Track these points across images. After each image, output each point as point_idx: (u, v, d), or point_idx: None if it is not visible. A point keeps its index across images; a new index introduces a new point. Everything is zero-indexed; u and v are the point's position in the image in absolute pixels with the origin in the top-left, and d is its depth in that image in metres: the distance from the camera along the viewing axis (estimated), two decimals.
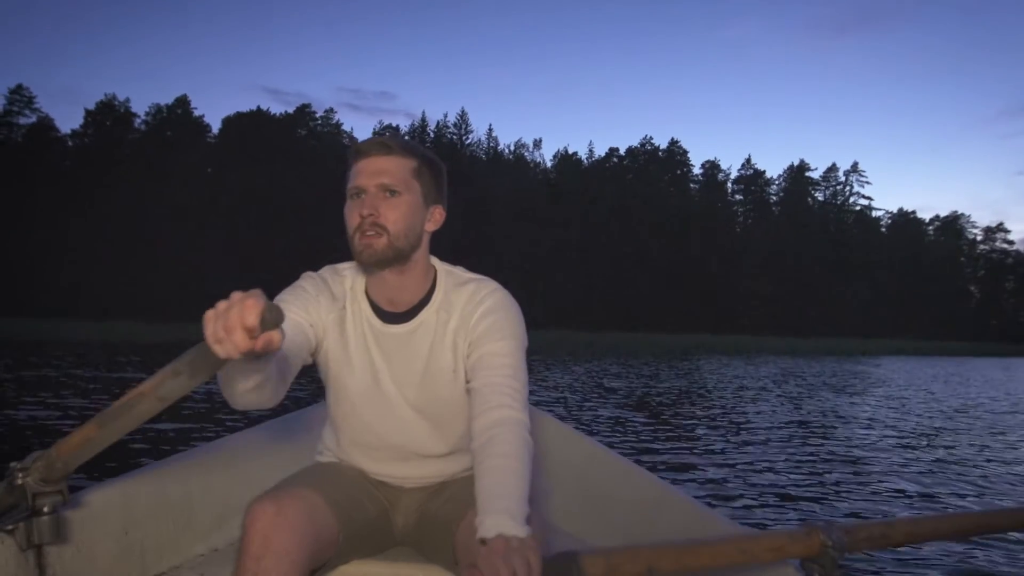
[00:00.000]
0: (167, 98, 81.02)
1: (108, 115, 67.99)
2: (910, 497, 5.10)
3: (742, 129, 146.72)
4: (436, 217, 1.54)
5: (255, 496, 1.38)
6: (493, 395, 1.43)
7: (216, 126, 71.26)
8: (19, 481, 1.27)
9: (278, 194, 62.05)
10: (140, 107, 79.31)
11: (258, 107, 71.61)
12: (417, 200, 1.49)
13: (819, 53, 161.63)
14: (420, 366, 1.54)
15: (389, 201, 1.46)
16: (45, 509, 1.28)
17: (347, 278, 1.58)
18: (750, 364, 26.49)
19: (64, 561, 1.45)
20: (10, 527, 1.30)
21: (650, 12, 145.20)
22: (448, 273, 1.59)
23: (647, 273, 71.90)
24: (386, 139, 1.51)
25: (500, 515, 1.22)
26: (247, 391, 1.26)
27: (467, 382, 1.51)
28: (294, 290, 1.56)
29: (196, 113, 70.30)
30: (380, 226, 1.44)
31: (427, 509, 1.61)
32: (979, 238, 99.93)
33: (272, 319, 0.96)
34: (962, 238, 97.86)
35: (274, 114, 72.28)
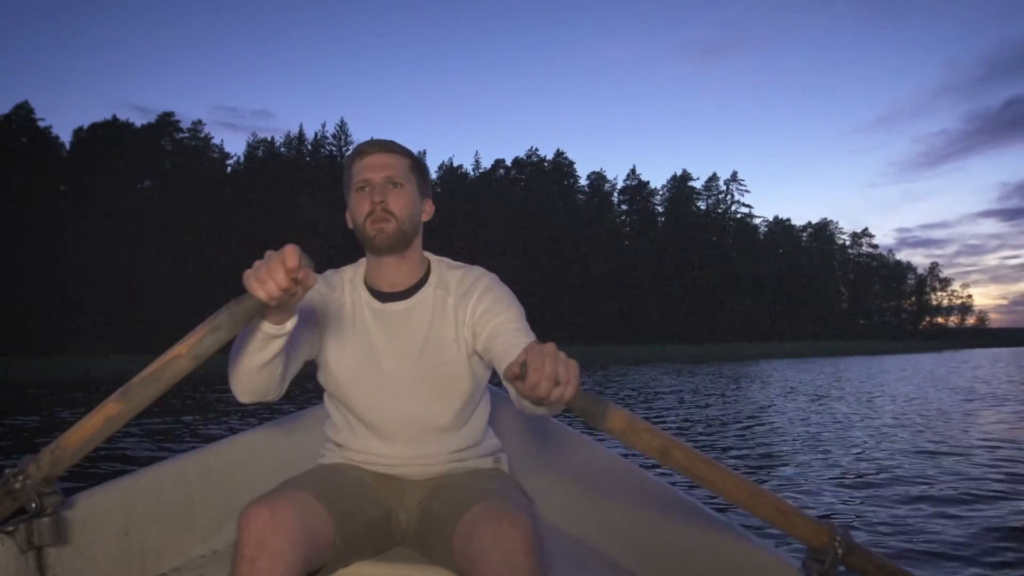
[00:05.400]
0: (4, 107, 72.53)
1: None
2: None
3: (626, 140, 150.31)
4: (428, 209, 1.72)
5: (253, 498, 1.39)
6: (519, 347, 1.44)
7: (68, 138, 64.23)
8: (17, 485, 1.25)
9: (142, 210, 56.58)
10: None
11: (114, 116, 65.05)
12: (415, 192, 1.67)
13: (695, 70, 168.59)
14: (420, 339, 1.64)
15: (394, 191, 1.62)
16: (45, 511, 1.29)
17: (346, 272, 1.74)
18: (625, 373, 25.39)
19: (64, 562, 1.44)
20: (10, 528, 1.31)
21: (531, 27, 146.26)
22: (440, 261, 1.76)
23: (538, 285, 70.77)
24: (384, 141, 1.67)
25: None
26: (262, 366, 1.38)
27: (482, 354, 1.61)
28: None
29: (43, 124, 62.97)
30: (389, 212, 1.60)
31: (428, 507, 1.62)
32: (847, 243, 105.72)
33: (307, 262, 1.14)
34: (833, 244, 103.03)
35: (134, 125, 65.82)
